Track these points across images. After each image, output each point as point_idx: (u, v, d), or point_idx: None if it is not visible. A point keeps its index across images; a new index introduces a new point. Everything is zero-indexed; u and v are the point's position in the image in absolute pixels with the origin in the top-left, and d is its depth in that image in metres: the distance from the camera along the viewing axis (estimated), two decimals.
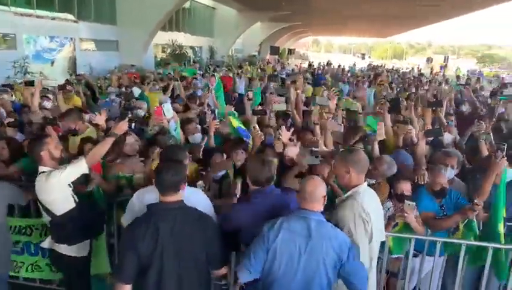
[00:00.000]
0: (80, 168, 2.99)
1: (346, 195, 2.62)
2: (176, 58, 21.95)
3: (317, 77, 22.17)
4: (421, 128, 4.74)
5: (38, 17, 14.13)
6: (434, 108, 5.43)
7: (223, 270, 2.67)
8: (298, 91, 5.72)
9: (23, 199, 3.51)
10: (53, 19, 14.95)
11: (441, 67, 30.94)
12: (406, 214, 3.15)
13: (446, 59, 37.54)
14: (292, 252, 2.36)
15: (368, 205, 2.52)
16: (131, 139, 4.01)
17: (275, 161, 3.13)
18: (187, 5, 25.19)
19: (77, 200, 3.07)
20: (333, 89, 7.80)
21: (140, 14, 18.10)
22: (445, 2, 22.56)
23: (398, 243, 3.40)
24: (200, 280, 2.56)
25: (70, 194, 3.03)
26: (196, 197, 2.76)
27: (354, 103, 6.24)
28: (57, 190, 2.96)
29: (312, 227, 2.36)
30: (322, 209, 2.45)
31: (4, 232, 3.43)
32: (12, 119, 4.80)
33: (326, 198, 2.47)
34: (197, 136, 4.66)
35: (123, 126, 3.20)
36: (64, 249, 3.10)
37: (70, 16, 16.14)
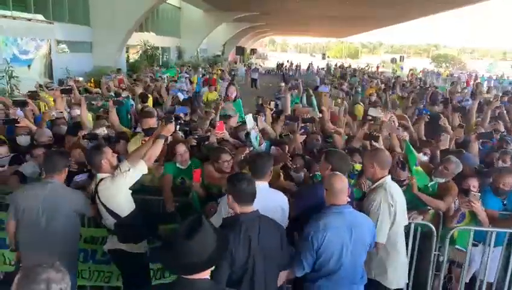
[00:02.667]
0: (140, 170, 3.18)
1: (375, 185, 3.17)
2: (147, 59, 21.58)
3: (287, 77, 22.62)
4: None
5: (14, 18, 13.47)
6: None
7: (289, 274, 2.85)
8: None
9: (89, 209, 3.40)
10: (28, 20, 14.29)
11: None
12: (472, 204, 3.50)
13: (402, 58, 39.61)
14: (339, 246, 2.69)
15: (394, 194, 3.09)
16: (182, 148, 4.02)
17: None
18: None
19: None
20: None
21: (115, 14, 17.65)
22: (402, 6, 24.01)
23: (462, 236, 3.73)
24: (276, 282, 2.76)
25: (130, 196, 3.24)
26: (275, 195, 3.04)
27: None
28: (124, 193, 3.17)
29: (350, 219, 2.73)
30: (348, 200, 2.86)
31: (73, 240, 3.38)
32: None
33: None
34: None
35: (171, 128, 3.39)
36: (128, 247, 3.27)
37: (45, 17, 15.49)
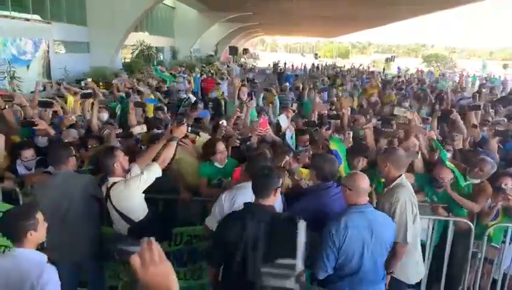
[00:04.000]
0: (154, 173, 3.12)
1: (393, 184, 3.10)
2: (144, 59, 21.48)
3: (284, 77, 22.68)
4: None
5: (13, 18, 13.31)
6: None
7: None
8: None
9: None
10: (27, 20, 14.13)
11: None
12: (510, 197, 3.59)
13: (393, 58, 40.08)
14: (360, 246, 2.66)
15: (413, 192, 3.10)
16: (222, 146, 3.97)
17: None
18: None
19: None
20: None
21: (112, 14, 17.56)
22: (394, 7, 24.39)
23: (498, 233, 3.81)
24: None
25: (144, 200, 3.18)
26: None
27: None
28: (137, 197, 3.11)
29: (371, 218, 2.70)
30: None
31: (94, 221, 3.44)
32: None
33: None
34: None
35: (183, 130, 3.35)
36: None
37: (43, 17, 15.33)
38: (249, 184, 2.71)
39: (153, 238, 1.31)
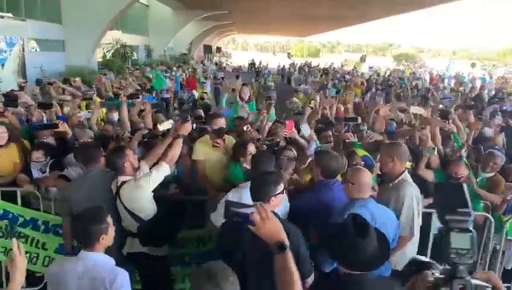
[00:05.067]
0: (163, 172, 3.17)
1: (399, 179, 3.17)
2: (121, 58, 20.98)
3: (261, 76, 22.74)
4: None
5: None
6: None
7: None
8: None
9: None
10: (1, 17, 13.51)
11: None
12: None
13: (364, 58, 41.04)
14: None
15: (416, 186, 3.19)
16: (252, 148, 3.95)
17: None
18: None
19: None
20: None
21: (88, 11, 17.01)
22: (368, 7, 24.98)
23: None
24: None
25: (152, 199, 3.22)
26: None
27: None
28: (147, 195, 3.16)
29: (374, 212, 2.73)
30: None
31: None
32: None
33: None
34: None
35: (188, 127, 3.40)
36: (150, 250, 3.22)
37: (17, 14, 14.71)
38: None
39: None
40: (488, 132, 6.02)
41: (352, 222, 1.98)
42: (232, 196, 3.08)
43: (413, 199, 3.06)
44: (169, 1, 26.87)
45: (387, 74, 24.41)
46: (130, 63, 22.96)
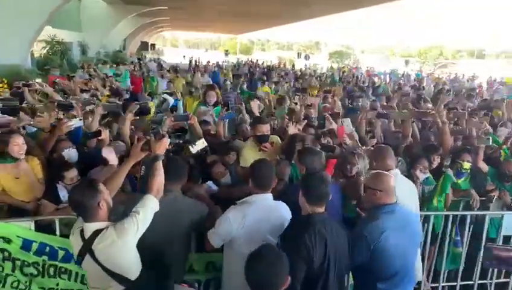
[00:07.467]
0: (152, 209, 2.49)
1: None
2: (60, 56, 19.42)
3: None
4: None
5: None
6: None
7: None
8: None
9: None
10: None
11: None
12: None
13: (300, 55, 42.12)
14: (397, 246, 2.65)
15: None
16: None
17: None
18: None
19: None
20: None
21: (22, 5, 15.54)
22: (308, 7, 25.82)
23: None
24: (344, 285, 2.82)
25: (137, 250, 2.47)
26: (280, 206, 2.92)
27: None
28: (134, 247, 2.41)
29: (402, 218, 2.72)
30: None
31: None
32: None
33: None
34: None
35: (165, 144, 2.72)
36: None
37: None
38: (256, 198, 2.78)
39: None
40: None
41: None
42: (233, 217, 2.75)
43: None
44: None
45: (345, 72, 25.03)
46: (66, 61, 21.32)
